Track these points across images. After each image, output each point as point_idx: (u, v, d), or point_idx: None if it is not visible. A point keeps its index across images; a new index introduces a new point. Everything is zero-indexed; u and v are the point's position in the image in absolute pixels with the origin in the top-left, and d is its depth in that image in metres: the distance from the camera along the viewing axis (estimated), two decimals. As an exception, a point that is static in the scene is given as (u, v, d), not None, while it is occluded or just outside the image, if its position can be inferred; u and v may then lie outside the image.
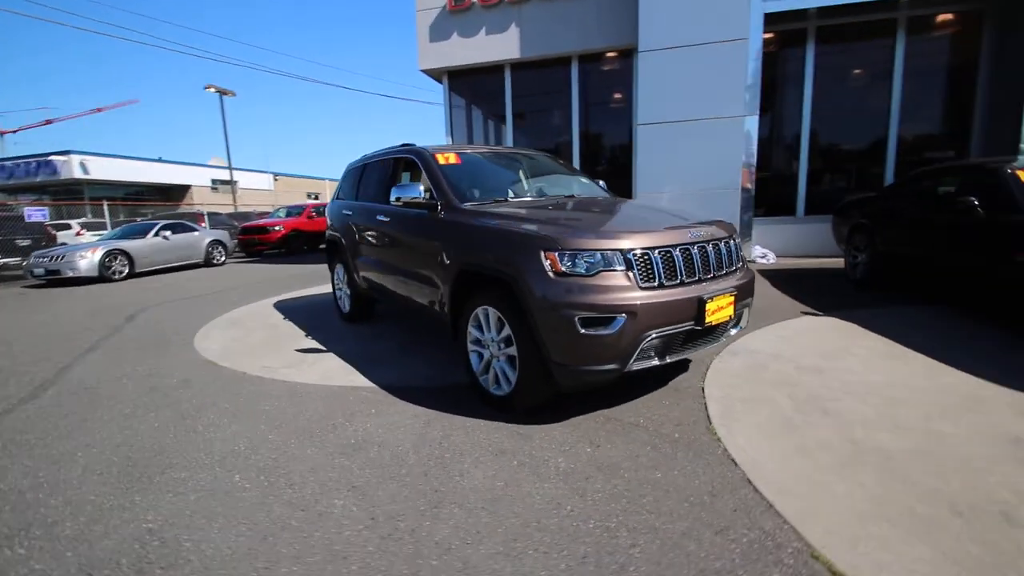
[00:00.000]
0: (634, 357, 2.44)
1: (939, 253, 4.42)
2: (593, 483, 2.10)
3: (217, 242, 11.85)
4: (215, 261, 11.78)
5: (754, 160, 7.49)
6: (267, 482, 2.19)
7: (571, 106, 8.92)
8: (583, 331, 2.37)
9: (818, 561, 1.62)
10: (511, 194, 3.60)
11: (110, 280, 9.49)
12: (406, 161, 4.02)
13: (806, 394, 2.91)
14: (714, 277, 2.69)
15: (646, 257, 2.47)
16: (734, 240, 2.95)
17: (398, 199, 3.36)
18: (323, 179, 42.47)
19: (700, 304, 2.52)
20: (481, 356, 2.98)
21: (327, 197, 40.11)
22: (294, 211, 15.92)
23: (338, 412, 2.92)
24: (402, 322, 4.98)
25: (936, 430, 2.44)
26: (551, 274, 2.43)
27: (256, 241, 14.04)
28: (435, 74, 9.50)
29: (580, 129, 8.94)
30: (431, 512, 1.94)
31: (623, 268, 2.43)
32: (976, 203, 3.94)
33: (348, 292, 4.96)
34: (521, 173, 3.94)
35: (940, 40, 7.61)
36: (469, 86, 9.54)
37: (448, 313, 3.18)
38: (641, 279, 2.44)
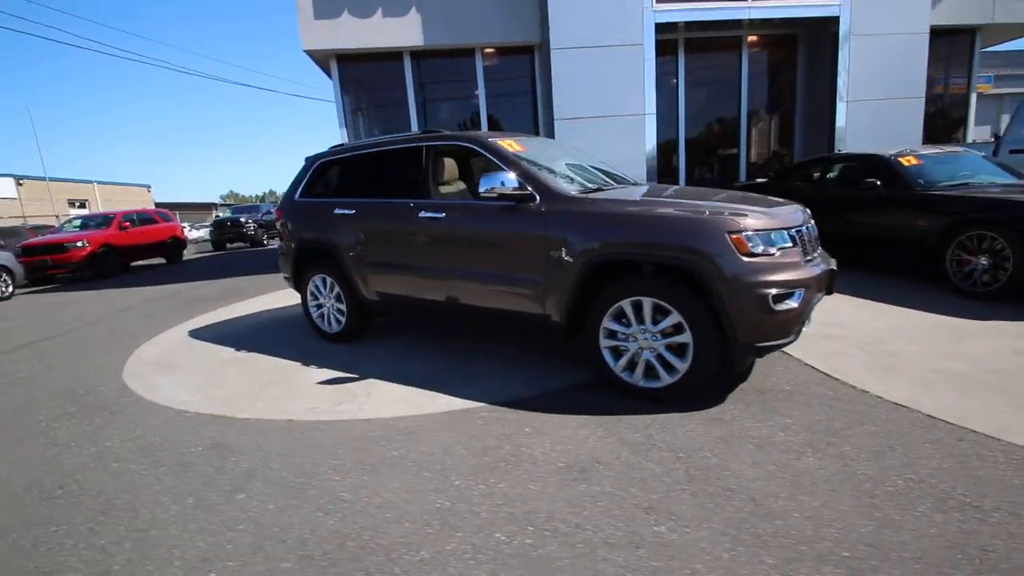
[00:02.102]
0: (802, 327, 2.63)
1: (849, 225, 5.60)
2: (841, 447, 2.22)
3: (1, 268, 8.64)
4: (2, 294, 8.57)
5: (655, 155, 8.40)
6: (545, 530, 1.80)
7: (478, 99, 8.77)
8: (775, 307, 2.47)
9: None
10: (585, 181, 3.46)
11: None
12: (450, 150, 3.56)
13: (860, 343, 3.46)
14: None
15: (800, 234, 2.68)
16: None
17: (490, 190, 2.97)
18: (90, 182, 33.75)
19: (832, 274, 2.83)
20: (618, 352, 2.86)
21: (98, 205, 32.01)
22: (94, 222, 12.48)
23: (489, 440, 2.51)
24: (405, 332, 4.39)
25: (967, 354, 3.15)
26: (740, 256, 2.46)
27: (48, 264, 10.63)
28: (321, 56, 8.37)
29: (488, 123, 8.86)
30: (764, 513, 1.83)
31: (790, 245, 2.59)
32: (879, 183, 5.11)
33: (343, 307, 4.16)
34: (570, 160, 3.79)
35: (771, 56, 9.52)
36: (364, 72, 8.66)
37: (565, 312, 2.95)
38: (803, 254, 2.64)
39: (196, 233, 27.35)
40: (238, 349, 4.37)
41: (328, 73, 9.31)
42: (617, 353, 2.87)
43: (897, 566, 1.54)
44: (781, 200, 3.18)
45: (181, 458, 2.53)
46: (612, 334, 2.86)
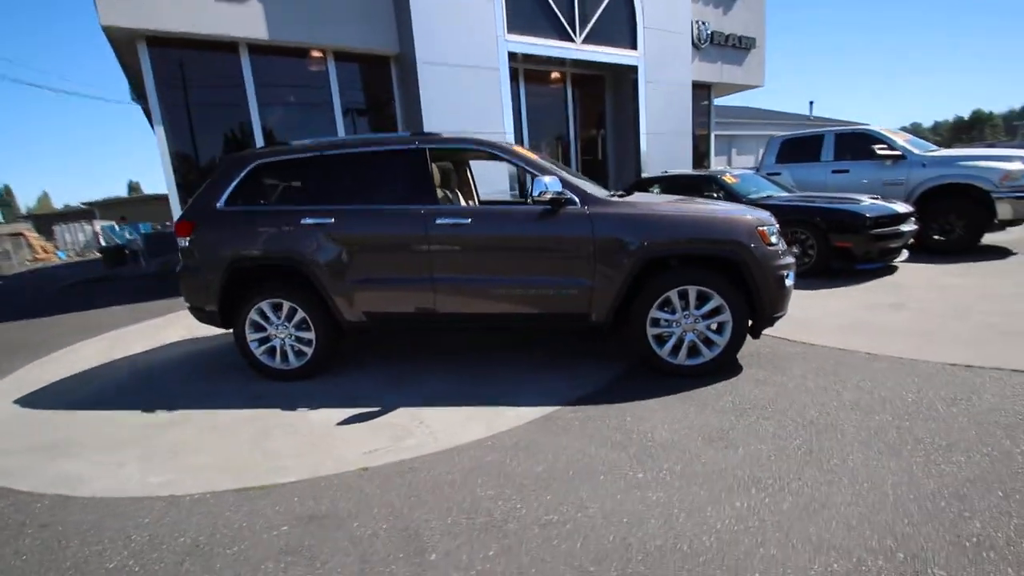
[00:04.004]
0: (789, 301, 3.39)
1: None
2: (858, 383, 2.95)
3: None
4: None
5: (516, 171, 9.02)
6: (783, 491, 2.00)
7: (333, 106, 8.04)
8: (786, 284, 3.14)
9: (970, 368, 3.08)
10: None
11: None
12: (455, 155, 3.35)
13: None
14: None
15: (779, 230, 3.44)
16: None
17: (542, 194, 2.99)
18: None
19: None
20: (660, 338, 3.19)
21: None
22: None
23: (612, 435, 2.54)
24: (364, 359, 3.89)
25: (838, 312, 4.43)
26: (765, 245, 3.06)
27: None
28: (124, 37, 6.53)
29: (344, 132, 8.20)
30: (895, 439, 2.38)
31: (780, 236, 3.32)
32: (717, 195, 6.64)
33: (309, 336, 3.46)
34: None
35: (590, 91, 11.15)
36: (186, 62, 7.05)
37: (613, 308, 3.15)
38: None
39: None
40: (148, 410, 3.22)
41: (121, 59, 7.38)
42: (659, 340, 3.20)
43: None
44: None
45: (277, 547, 1.86)
46: (656, 322, 3.17)
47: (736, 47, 12.61)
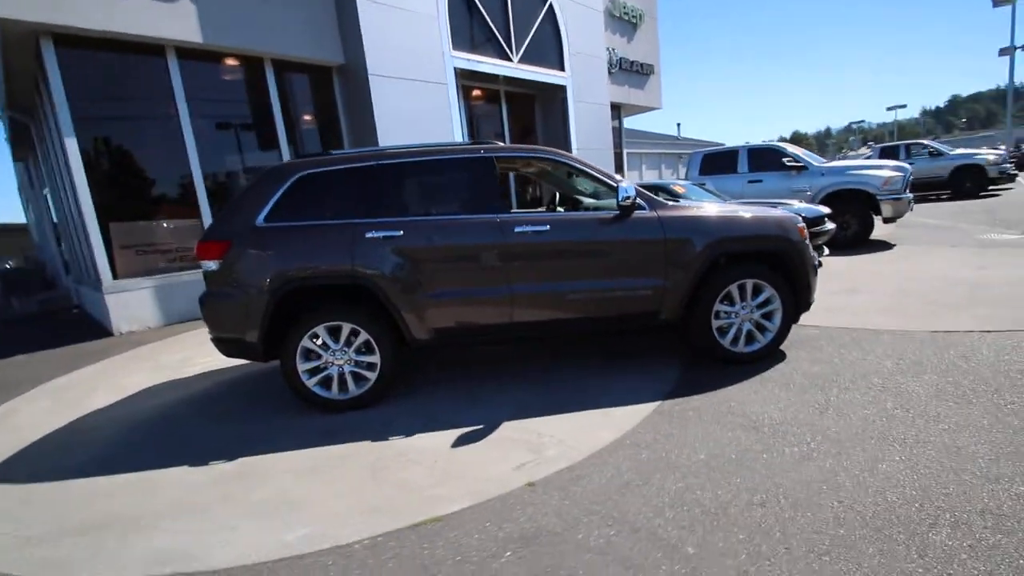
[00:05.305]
0: (810, 288, 3.88)
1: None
2: (894, 357, 3.49)
3: None
4: None
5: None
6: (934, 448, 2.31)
7: (273, 118, 7.39)
8: (817, 273, 3.62)
9: (950, 332, 3.80)
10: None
11: None
12: (519, 163, 3.34)
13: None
14: None
15: (795, 226, 3.93)
16: None
17: (626, 199, 3.12)
18: None
19: (792, 253, 4.21)
20: (721, 329, 3.47)
21: None
22: None
23: (734, 419, 2.73)
24: (428, 377, 3.69)
25: (826, 300, 5.15)
26: (804, 240, 3.50)
27: None
28: (20, 33, 5.40)
29: (289, 147, 7.58)
30: (963, 395, 2.85)
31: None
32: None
33: (373, 360, 3.18)
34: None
35: (523, 109, 11.49)
36: (104, 66, 6.01)
37: (683, 305, 3.38)
38: (803, 239, 3.90)
39: None
40: (198, 463, 2.72)
41: (7, 60, 6.14)
42: (720, 331, 3.48)
43: None
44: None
45: (526, 571, 1.73)
46: (717, 315, 3.45)
47: (639, 72, 13.92)
